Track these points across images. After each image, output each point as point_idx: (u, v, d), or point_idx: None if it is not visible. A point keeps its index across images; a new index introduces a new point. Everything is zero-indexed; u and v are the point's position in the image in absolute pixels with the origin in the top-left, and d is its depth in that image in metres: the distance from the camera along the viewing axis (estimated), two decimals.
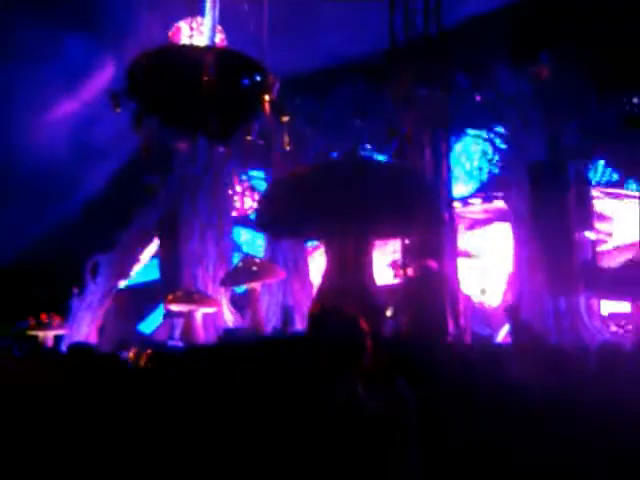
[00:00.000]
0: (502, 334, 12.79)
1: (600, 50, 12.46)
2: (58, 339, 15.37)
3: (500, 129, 14.26)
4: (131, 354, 13.69)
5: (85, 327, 15.64)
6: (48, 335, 14.99)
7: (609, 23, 12.39)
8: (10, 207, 13.90)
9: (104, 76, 14.14)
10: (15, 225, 14.48)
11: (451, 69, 10.38)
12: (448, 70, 10.05)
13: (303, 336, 7.61)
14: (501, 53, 13.32)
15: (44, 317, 15.17)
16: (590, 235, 13.37)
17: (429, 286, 8.16)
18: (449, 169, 9.55)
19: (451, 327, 8.01)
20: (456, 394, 5.26)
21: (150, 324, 17.20)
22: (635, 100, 12.96)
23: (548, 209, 13.11)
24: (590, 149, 13.49)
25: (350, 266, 7.01)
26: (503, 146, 14.10)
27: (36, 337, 14.92)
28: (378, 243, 9.28)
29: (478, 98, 13.86)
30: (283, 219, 8.19)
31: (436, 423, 4.22)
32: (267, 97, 9.02)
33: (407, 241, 8.81)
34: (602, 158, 13.60)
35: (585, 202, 13.44)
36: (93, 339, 15.64)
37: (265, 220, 8.85)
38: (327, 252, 7.66)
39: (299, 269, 15.36)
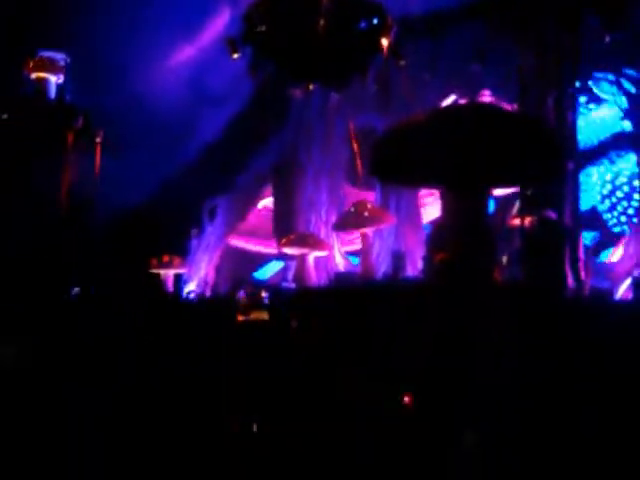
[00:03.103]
0: (623, 288, 12.29)
1: None
2: (178, 278, 16.12)
3: (632, 72, 13.38)
4: (244, 296, 14.21)
5: (203, 267, 16.29)
6: (169, 274, 15.77)
7: None
8: (131, 151, 14.48)
9: (220, 22, 14.28)
10: (137, 169, 15.10)
11: (581, 6, 9.77)
12: (578, 6, 9.47)
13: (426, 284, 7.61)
14: None
15: (165, 257, 15.92)
16: None
17: (548, 237, 7.92)
18: (575, 116, 9.11)
19: (570, 280, 7.77)
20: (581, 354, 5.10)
21: (267, 268, 17.69)
22: None
23: None
24: None
25: (468, 215, 6.89)
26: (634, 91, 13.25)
27: (158, 275, 15.72)
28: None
29: (608, 38, 13.02)
30: (399, 165, 8.09)
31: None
32: (385, 41, 8.85)
33: (527, 191, 8.55)
34: None
35: None
36: (210, 279, 16.31)
37: (378, 166, 8.77)
38: (442, 202, 7.55)
39: (411, 216, 15.27)
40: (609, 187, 15.94)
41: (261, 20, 8.82)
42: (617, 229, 15.44)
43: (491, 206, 8.28)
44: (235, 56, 9.16)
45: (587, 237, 14.24)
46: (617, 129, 15.07)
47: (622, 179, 15.73)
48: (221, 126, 16.56)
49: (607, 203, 15.98)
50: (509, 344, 5.28)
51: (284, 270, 16.02)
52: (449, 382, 5.90)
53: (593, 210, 15.79)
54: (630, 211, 15.36)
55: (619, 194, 15.80)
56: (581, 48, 9.71)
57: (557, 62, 9.09)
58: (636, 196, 15.02)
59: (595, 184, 15.93)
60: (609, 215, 15.79)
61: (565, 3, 9.45)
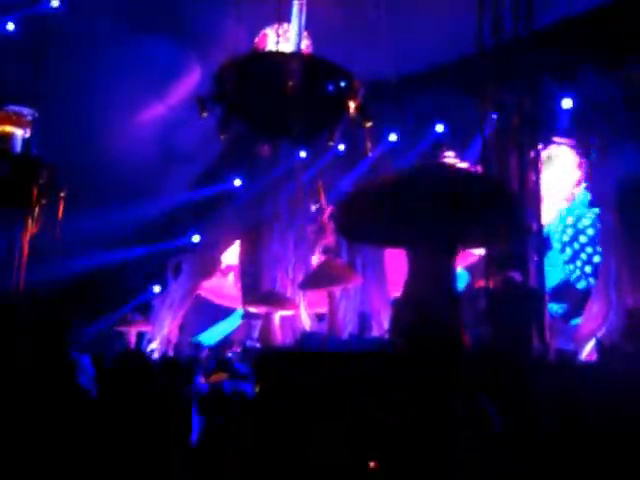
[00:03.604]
0: (587, 350, 12.37)
1: None
2: (140, 336, 15.84)
3: (588, 137, 13.80)
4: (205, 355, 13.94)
5: (166, 325, 16.05)
6: (131, 332, 15.49)
7: None
8: (95, 206, 14.37)
9: (190, 80, 14.46)
10: (100, 224, 14.97)
11: (539, 73, 10.11)
12: (537, 73, 9.80)
13: (391, 345, 7.56)
14: (590, 58, 12.91)
15: (128, 314, 15.67)
16: None
17: (513, 298, 7.97)
18: (537, 177, 9.31)
19: (535, 342, 7.79)
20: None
21: (229, 324, 17.51)
22: None
23: (638, 221, 12.60)
24: None
25: (433, 275, 6.93)
26: (591, 155, 13.65)
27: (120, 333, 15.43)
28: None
29: (565, 105, 13.47)
30: (365, 224, 8.15)
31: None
32: (352, 102, 9.00)
33: (491, 251, 8.65)
34: None
35: None
36: (174, 337, 16.06)
37: (346, 225, 8.82)
38: (410, 260, 7.58)
39: (377, 275, 15.32)
40: (570, 232, 14.61)
41: (231, 80, 8.92)
42: (582, 283, 14.42)
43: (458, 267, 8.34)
44: (204, 115, 9.20)
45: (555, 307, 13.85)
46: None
47: (585, 221, 14.48)
48: (189, 182, 16.61)
49: (569, 251, 14.59)
50: (477, 407, 5.24)
51: (249, 329, 15.87)
52: (417, 447, 5.81)
53: (565, 283, 14.62)
54: (596, 258, 14.04)
55: (582, 239, 14.41)
56: (540, 112, 9.98)
57: (518, 125, 9.33)
58: (599, 248, 13.78)
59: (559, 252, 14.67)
60: (572, 266, 14.52)
61: (524, 68, 9.75)
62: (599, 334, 12.16)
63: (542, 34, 10.87)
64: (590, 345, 12.09)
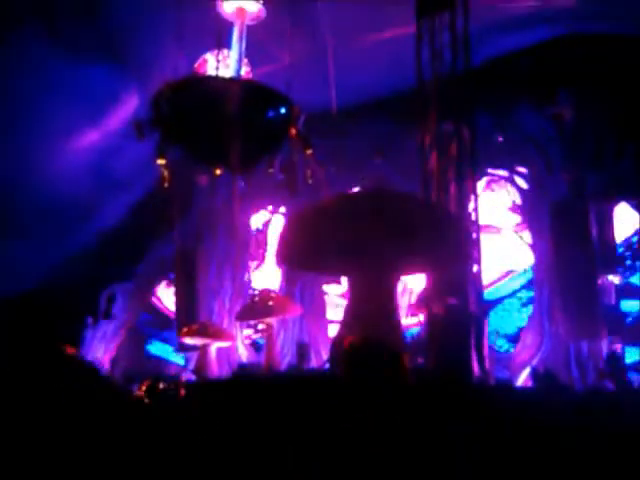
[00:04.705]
0: (522, 378, 12.53)
1: (623, 92, 12.40)
2: None
3: (522, 170, 14.18)
4: (142, 388, 13.52)
5: (98, 358, 15.50)
6: None
7: (632, 65, 12.35)
8: (28, 235, 13.88)
9: (127, 106, 14.19)
10: (32, 254, 14.45)
11: (475, 107, 10.34)
12: (473, 107, 10.02)
13: (329, 373, 7.44)
14: (523, 93, 13.31)
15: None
16: (614, 279, 13.15)
17: (454, 325, 7.99)
18: (476, 206, 9.45)
19: (476, 369, 7.81)
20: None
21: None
22: None
23: (570, 251, 12.94)
24: (613, 191, 13.36)
25: (374, 302, 6.88)
26: (525, 187, 14.01)
27: None
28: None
29: (500, 138, 13.83)
30: (304, 253, 8.08)
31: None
32: (291, 130, 8.98)
33: (431, 278, 8.68)
34: (625, 200, 13.44)
35: (608, 245, 13.27)
36: (105, 371, 15.50)
37: (285, 253, 8.73)
38: (350, 287, 7.53)
39: (315, 305, 15.23)
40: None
41: (168, 103, 8.79)
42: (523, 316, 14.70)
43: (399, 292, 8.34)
44: (141, 139, 9.02)
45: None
46: None
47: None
48: (124, 210, 16.22)
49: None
50: (419, 434, 5.18)
51: (185, 361, 15.50)
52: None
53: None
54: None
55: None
56: (477, 145, 10.19)
57: (456, 156, 9.49)
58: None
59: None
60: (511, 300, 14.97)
61: (461, 102, 9.96)
62: (534, 362, 12.36)
63: (478, 70, 11.16)
64: (525, 373, 12.27)
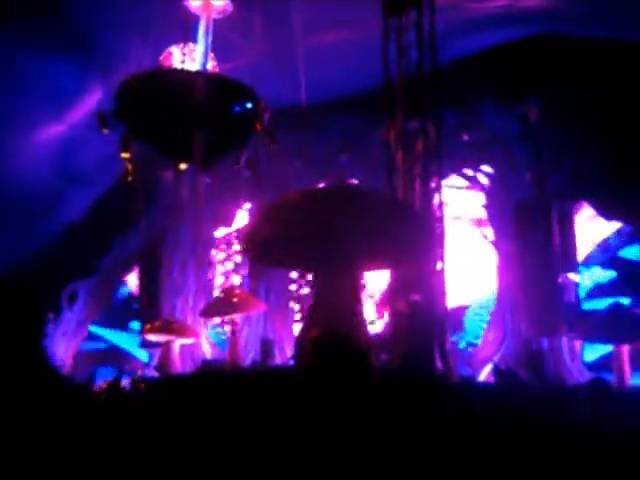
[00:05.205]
0: (484, 374, 12.67)
1: (587, 94, 12.60)
2: None
3: (487, 168, 14.34)
4: (103, 385, 13.35)
5: (61, 354, 15.26)
6: None
7: (596, 67, 12.54)
8: None
9: (92, 99, 13.98)
10: None
11: (442, 105, 10.40)
12: (439, 105, 10.07)
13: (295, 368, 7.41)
14: (490, 93, 13.43)
15: None
16: (574, 277, 13.37)
17: (418, 322, 8.04)
18: (441, 203, 9.50)
19: (439, 365, 7.87)
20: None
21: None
22: (620, 145, 13.04)
23: (532, 250, 13.12)
24: (575, 191, 13.56)
25: (339, 297, 6.88)
26: (489, 185, 14.15)
27: None
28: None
29: (466, 137, 13.94)
30: (270, 247, 8.04)
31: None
32: (257, 125, 8.92)
33: (395, 275, 8.72)
34: (586, 200, 13.65)
35: (569, 243, 13.47)
36: (68, 368, 15.28)
37: (250, 248, 8.68)
38: (315, 283, 7.52)
39: (280, 302, 15.20)
40: None
41: (133, 97, 8.66)
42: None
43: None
44: (105, 131, 8.88)
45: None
46: None
47: None
48: (87, 204, 15.98)
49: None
50: (380, 426, 5.19)
51: (148, 357, 15.36)
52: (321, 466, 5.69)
53: None
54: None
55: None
56: (443, 143, 10.25)
57: (422, 154, 9.52)
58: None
59: None
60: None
61: (428, 101, 9.99)
62: (495, 359, 12.50)
63: (446, 68, 11.22)
64: (487, 370, 12.41)
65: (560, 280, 13.16)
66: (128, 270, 16.61)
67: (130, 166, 11.23)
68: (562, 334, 12.63)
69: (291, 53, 13.49)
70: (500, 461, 5.16)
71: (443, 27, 10.64)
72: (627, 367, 11.38)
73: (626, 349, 11.42)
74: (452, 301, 13.64)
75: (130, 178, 11.94)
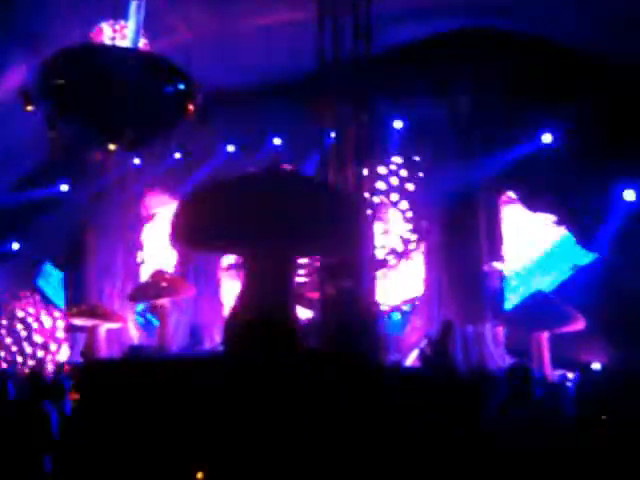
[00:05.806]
0: (411, 359, 12.90)
1: (516, 84, 12.88)
2: None
3: (416, 158, 14.55)
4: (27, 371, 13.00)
5: None
6: None
7: (527, 56, 12.87)
8: None
9: (16, 76, 13.48)
10: None
11: (375, 92, 10.46)
12: (373, 92, 10.13)
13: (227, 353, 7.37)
14: (422, 82, 13.59)
15: None
16: (498, 265, 13.73)
17: (346, 306, 8.10)
18: (372, 189, 9.58)
19: (367, 350, 7.96)
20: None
21: None
22: (544, 138, 13.43)
23: (459, 239, 13.40)
24: (501, 182, 13.90)
25: (269, 283, 6.87)
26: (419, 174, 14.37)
27: None
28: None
29: (398, 125, 14.10)
30: (198, 232, 7.95)
31: None
32: (189, 107, 8.78)
33: (326, 260, 8.75)
34: (512, 191, 14.03)
35: (495, 233, 13.82)
36: None
37: (179, 233, 8.55)
38: (244, 268, 7.48)
39: (210, 287, 15.06)
40: None
41: (60, 73, 8.37)
42: None
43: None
44: (29, 109, 8.56)
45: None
46: None
47: None
48: (9, 185, 15.45)
49: None
50: (312, 410, 5.24)
51: (73, 343, 15.00)
52: (246, 455, 5.70)
53: None
54: None
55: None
56: (375, 131, 10.32)
57: (355, 141, 9.56)
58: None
59: None
60: None
61: (361, 87, 10.04)
62: (422, 345, 12.73)
63: (380, 56, 11.29)
64: (413, 355, 12.64)
65: (485, 268, 13.49)
66: (51, 253, 16.14)
67: (56, 145, 10.90)
68: (486, 321, 12.97)
69: (227, 34, 13.34)
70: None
71: (379, 14, 10.67)
72: (546, 353, 11.78)
73: (545, 336, 11.82)
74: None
75: (55, 157, 11.59)
